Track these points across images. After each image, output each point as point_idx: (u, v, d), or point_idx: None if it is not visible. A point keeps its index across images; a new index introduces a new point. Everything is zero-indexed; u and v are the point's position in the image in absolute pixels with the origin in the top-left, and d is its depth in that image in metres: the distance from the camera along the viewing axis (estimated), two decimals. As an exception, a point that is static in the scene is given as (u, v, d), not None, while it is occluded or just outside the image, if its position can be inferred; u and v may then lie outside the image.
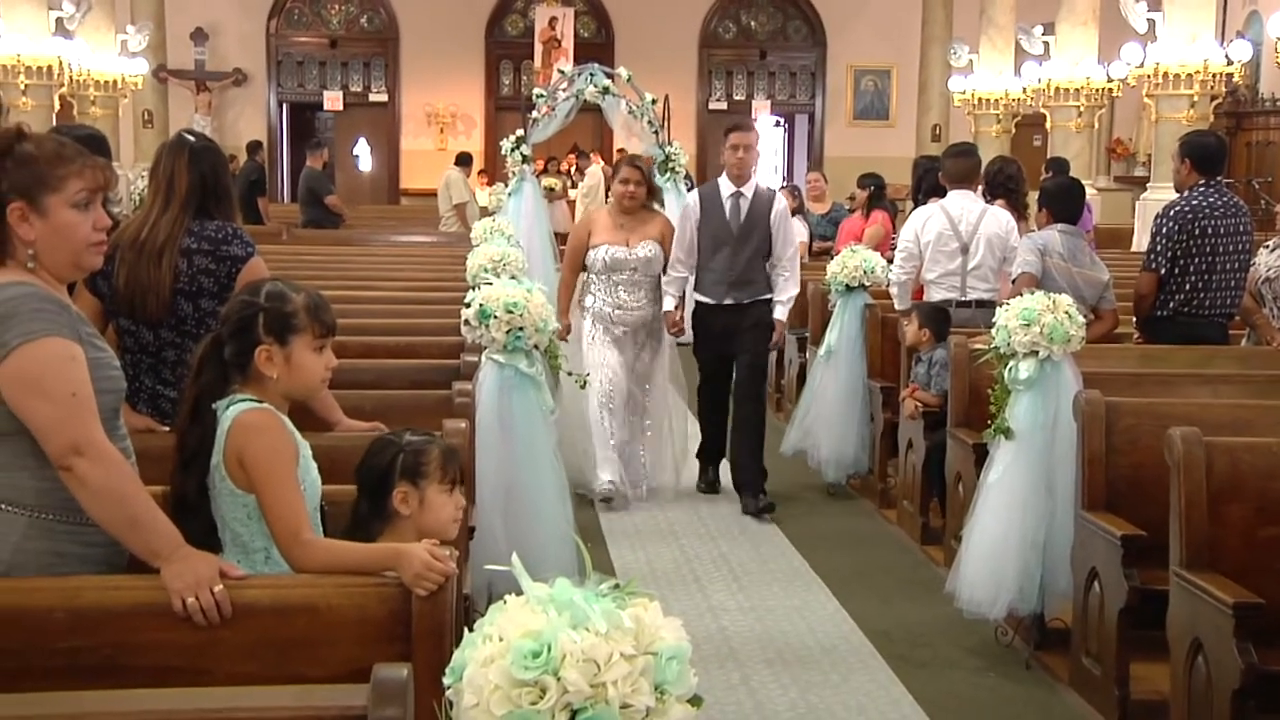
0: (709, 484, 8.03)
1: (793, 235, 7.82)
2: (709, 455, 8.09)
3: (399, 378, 5.46)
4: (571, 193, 21.17)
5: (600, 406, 7.54)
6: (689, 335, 7.96)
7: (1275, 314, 6.76)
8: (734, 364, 7.74)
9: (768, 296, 7.65)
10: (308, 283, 3.56)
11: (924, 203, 8.20)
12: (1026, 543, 5.23)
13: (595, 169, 21.01)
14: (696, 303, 7.76)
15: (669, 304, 7.68)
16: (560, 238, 18.71)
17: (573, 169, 22.77)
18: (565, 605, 2.01)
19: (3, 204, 2.96)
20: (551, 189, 19.95)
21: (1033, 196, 7.89)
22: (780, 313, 7.71)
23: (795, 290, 7.77)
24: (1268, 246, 6.92)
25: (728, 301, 7.60)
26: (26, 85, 15.57)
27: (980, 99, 20.15)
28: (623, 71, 13.72)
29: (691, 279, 7.75)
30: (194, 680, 2.82)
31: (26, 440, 2.91)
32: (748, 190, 7.59)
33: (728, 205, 7.57)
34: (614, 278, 7.63)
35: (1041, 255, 6.64)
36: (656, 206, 7.96)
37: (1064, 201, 6.93)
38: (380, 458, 3.45)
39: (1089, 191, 15.10)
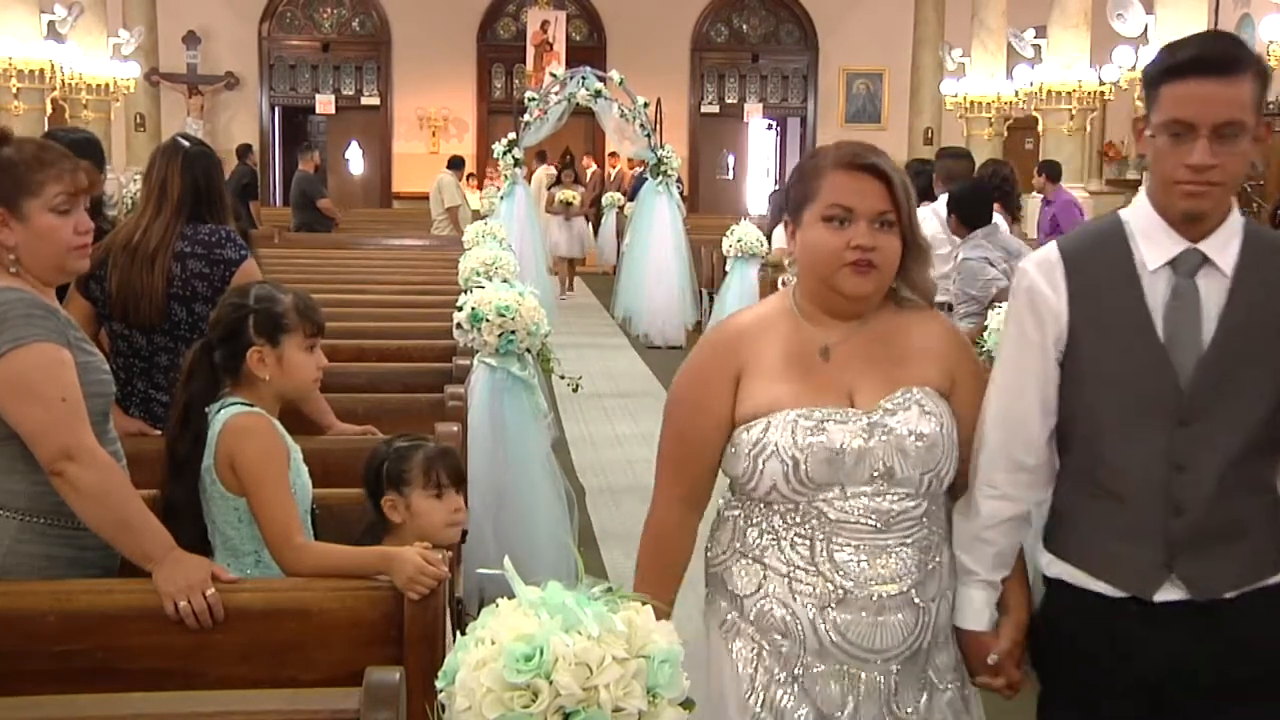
0: None
1: None
2: None
3: (391, 381, 5.46)
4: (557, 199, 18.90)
5: None
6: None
7: None
8: None
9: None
10: (300, 286, 3.57)
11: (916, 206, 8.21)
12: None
13: (540, 171, 19.44)
14: (1056, 591, 2.65)
15: (976, 603, 2.66)
16: (562, 264, 17.90)
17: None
18: (557, 609, 2.01)
19: None
20: (569, 204, 17.93)
21: (1024, 199, 7.90)
22: None
23: None
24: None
25: (1171, 597, 2.50)
26: (18, 89, 15.53)
27: (972, 102, 20.17)
28: (614, 75, 13.76)
29: (1038, 515, 2.72)
30: (186, 683, 2.83)
31: (17, 445, 2.92)
32: (1221, 248, 2.49)
33: (1161, 295, 2.50)
34: (826, 508, 2.55)
35: (995, 266, 6.66)
36: (908, 293, 2.69)
37: (976, 206, 6.94)
38: (369, 464, 3.48)
39: (1081, 194, 15.24)
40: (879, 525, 2.54)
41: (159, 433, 4.04)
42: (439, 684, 2.06)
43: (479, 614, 2.08)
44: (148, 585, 2.89)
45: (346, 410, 4.43)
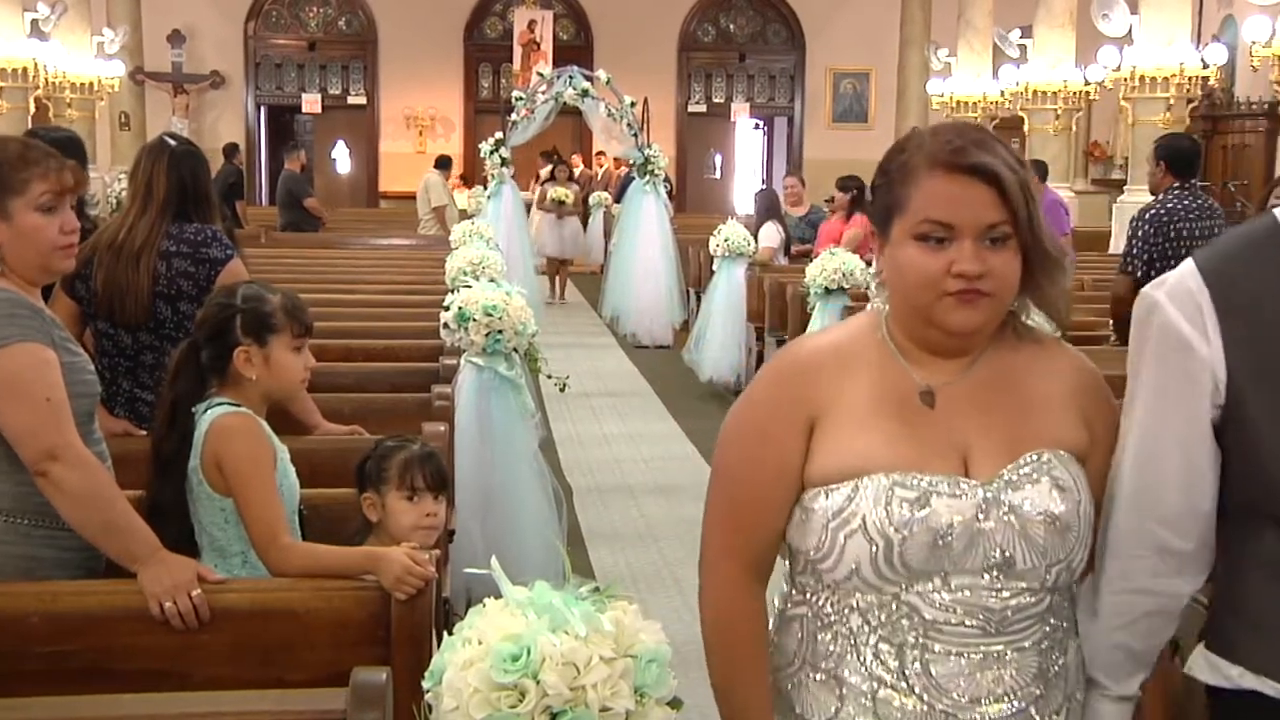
0: None
1: None
2: None
3: (378, 381, 5.45)
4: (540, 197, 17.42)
5: None
6: None
7: None
8: None
9: None
10: (286, 286, 3.56)
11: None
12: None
13: (547, 171, 18.52)
14: (1244, 709, 1.94)
15: (1106, 718, 2.11)
16: (554, 265, 17.58)
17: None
18: (545, 608, 2.00)
19: None
20: (561, 202, 16.78)
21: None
22: None
23: None
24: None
25: None
26: (1, 88, 15.50)
27: (958, 102, 20.23)
28: (602, 74, 13.77)
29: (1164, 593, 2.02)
30: (174, 684, 2.82)
31: (1, 445, 2.90)
32: None
33: None
34: (921, 603, 1.97)
35: None
36: (1038, 318, 2.11)
37: None
38: (359, 462, 3.48)
39: (1066, 194, 15.27)
40: (988, 627, 1.97)
41: (144, 433, 4.03)
42: (426, 684, 2.06)
43: (466, 614, 2.07)
44: (133, 586, 2.88)
45: (333, 410, 4.42)
